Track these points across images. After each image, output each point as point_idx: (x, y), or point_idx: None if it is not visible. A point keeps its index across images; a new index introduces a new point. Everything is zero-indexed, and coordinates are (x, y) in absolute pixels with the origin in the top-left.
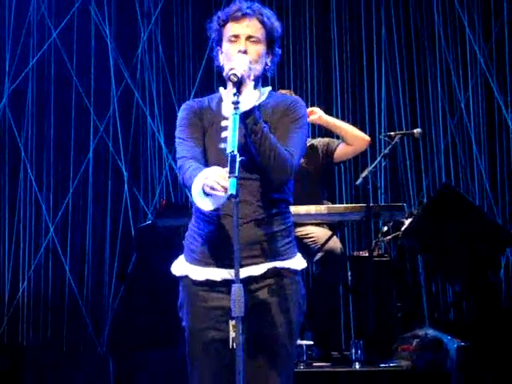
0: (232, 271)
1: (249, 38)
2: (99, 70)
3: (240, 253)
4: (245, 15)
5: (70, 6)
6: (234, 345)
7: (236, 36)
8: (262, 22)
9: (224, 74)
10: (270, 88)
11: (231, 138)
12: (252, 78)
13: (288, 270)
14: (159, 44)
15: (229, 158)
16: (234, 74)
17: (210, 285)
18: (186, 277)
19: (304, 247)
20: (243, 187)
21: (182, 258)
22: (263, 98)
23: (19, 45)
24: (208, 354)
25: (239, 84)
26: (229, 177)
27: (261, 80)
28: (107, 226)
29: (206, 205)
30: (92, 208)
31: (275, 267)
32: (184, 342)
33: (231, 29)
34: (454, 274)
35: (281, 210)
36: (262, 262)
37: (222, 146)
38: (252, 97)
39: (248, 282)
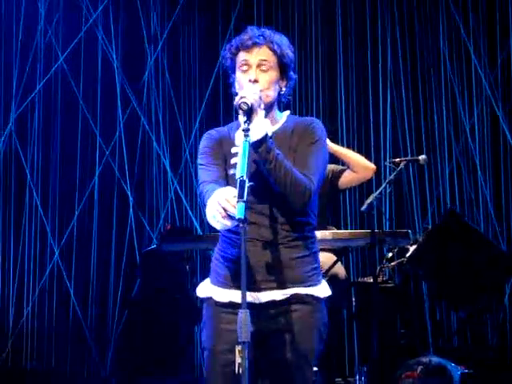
0: (255, 294)
1: (259, 66)
2: (106, 94)
3: (259, 276)
4: (255, 44)
5: (77, 30)
6: (240, 370)
7: (247, 65)
8: (273, 49)
9: (234, 102)
10: (288, 112)
11: (240, 163)
12: (263, 106)
13: (312, 296)
14: (166, 69)
15: (237, 183)
16: (244, 103)
17: (233, 307)
18: (210, 298)
19: None
20: (264, 211)
21: (207, 281)
22: (282, 122)
23: (26, 69)
24: (226, 375)
25: (249, 112)
26: (237, 201)
27: (276, 105)
28: (112, 251)
29: (216, 225)
30: (97, 232)
31: (299, 293)
32: (188, 368)
33: (242, 57)
34: (458, 301)
35: (305, 234)
36: (285, 288)
37: (232, 172)
38: (263, 126)
39: (270, 306)
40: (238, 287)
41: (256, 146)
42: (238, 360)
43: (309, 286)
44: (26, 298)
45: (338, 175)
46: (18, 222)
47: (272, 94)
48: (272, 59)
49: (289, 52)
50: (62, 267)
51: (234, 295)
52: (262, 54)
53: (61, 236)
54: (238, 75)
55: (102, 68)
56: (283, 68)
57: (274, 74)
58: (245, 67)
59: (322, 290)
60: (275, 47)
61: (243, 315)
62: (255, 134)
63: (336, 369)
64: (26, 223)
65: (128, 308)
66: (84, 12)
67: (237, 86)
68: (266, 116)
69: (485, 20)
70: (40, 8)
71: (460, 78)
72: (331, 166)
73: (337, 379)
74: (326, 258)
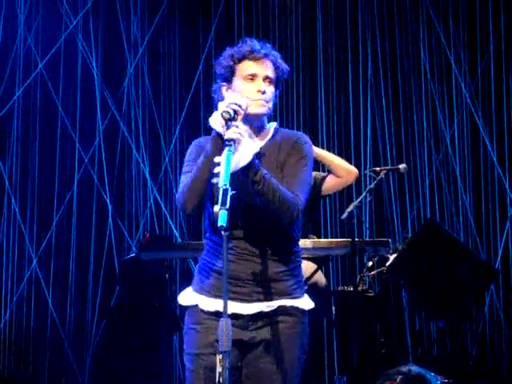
0: (244, 305)
1: (266, 78)
2: (85, 101)
3: (247, 288)
4: (264, 56)
5: (56, 37)
6: (221, 379)
7: (254, 75)
8: (275, 64)
9: (221, 111)
10: (275, 124)
11: (224, 172)
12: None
13: (297, 309)
14: (146, 76)
15: (220, 191)
16: (226, 112)
17: (219, 316)
18: (196, 306)
19: None
20: (251, 226)
21: (189, 289)
22: (269, 135)
23: (5, 76)
24: (210, 379)
25: (231, 120)
26: (220, 209)
27: (266, 118)
28: (91, 258)
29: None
30: (76, 240)
31: (285, 305)
32: (169, 378)
33: (249, 68)
34: (437, 310)
35: (290, 248)
36: (272, 300)
37: (215, 180)
38: (250, 148)
39: (257, 317)
40: (216, 297)
41: (244, 169)
42: (219, 369)
43: (294, 298)
44: (3, 306)
45: (320, 182)
46: None
47: (271, 108)
48: (274, 74)
49: (285, 67)
50: (40, 275)
51: (221, 305)
52: (269, 67)
53: (39, 244)
54: (241, 84)
55: (81, 75)
56: (278, 83)
57: (273, 88)
58: (251, 77)
59: (306, 302)
60: (277, 62)
61: (224, 324)
62: (243, 159)
63: (315, 378)
64: (4, 230)
65: (107, 317)
66: (64, 19)
67: (227, 94)
68: (256, 129)
69: (465, 29)
70: (19, 14)
71: (440, 87)
72: (314, 173)
73: None
74: (306, 267)
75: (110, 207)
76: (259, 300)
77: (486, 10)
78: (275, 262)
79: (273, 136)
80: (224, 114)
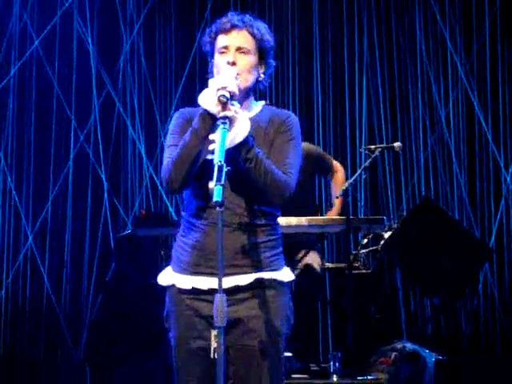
0: (216, 280)
1: (238, 49)
2: (81, 78)
3: (225, 261)
4: (234, 26)
5: (52, 14)
6: (216, 355)
7: (225, 47)
8: (252, 34)
9: (211, 89)
10: (263, 102)
11: (219, 149)
12: (241, 91)
13: (275, 281)
14: (141, 54)
15: (216, 167)
16: (223, 95)
17: (196, 293)
18: (173, 286)
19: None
20: (231, 197)
21: (168, 268)
22: (256, 110)
23: (0, 53)
24: (194, 362)
25: (226, 103)
26: (215, 185)
27: (252, 93)
28: (86, 236)
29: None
30: (71, 217)
31: (262, 278)
32: (163, 354)
33: (221, 40)
34: (432, 288)
35: (268, 221)
36: (248, 272)
37: (209, 157)
38: (245, 125)
39: (234, 291)
40: (200, 273)
41: (238, 146)
42: (214, 345)
43: (272, 270)
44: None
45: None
46: None
47: (250, 79)
48: (251, 43)
49: (269, 38)
50: (35, 252)
51: (197, 281)
52: (241, 37)
53: (35, 220)
54: (216, 58)
55: (77, 52)
56: (262, 54)
57: (252, 59)
58: (223, 50)
59: (285, 274)
60: (255, 31)
61: (219, 299)
62: (238, 136)
63: (310, 355)
64: (0, 207)
65: (102, 292)
66: None
67: (215, 70)
68: (241, 103)
69: (460, 7)
70: None
71: (436, 65)
72: (320, 153)
73: (311, 365)
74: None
75: (105, 184)
76: (234, 273)
77: None
78: (252, 235)
79: (261, 111)
80: (221, 97)
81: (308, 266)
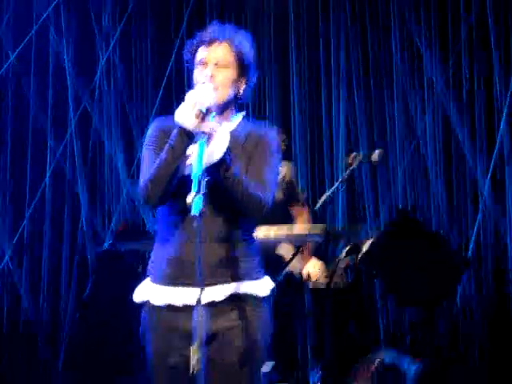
0: (195, 291)
1: (217, 63)
2: (57, 93)
3: (204, 273)
4: (214, 40)
5: (28, 29)
6: (195, 370)
7: (204, 61)
8: (232, 47)
9: (187, 104)
10: (243, 113)
11: (197, 161)
12: (219, 105)
13: (254, 292)
14: (118, 68)
15: (195, 179)
16: (199, 110)
17: (173, 308)
18: (148, 302)
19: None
20: (208, 209)
21: (144, 283)
22: (234, 125)
23: None
24: (172, 379)
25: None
26: (194, 196)
27: (233, 107)
28: (63, 251)
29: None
30: (49, 232)
31: (240, 290)
32: (143, 371)
33: (200, 53)
34: (410, 299)
35: (246, 233)
36: (226, 284)
37: (187, 171)
38: (221, 144)
39: (211, 304)
40: (179, 285)
41: (216, 165)
42: (193, 361)
43: (251, 280)
44: None
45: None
46: None
47: (228, 93)
48: (230, 57)
49: (250, 51)
50: (11, 268)
51: (173, 295)
52: (220, 51)
53: (12, 236)
54: (195, 72)
55: (53, 67)
56: (243, 67)
57: (231, 73)
58: (202, 63)
59: (264, 286)
60: (235, 44)
61: (199, 312)
62: (215, 153)
63: (290, 367)
64: None
65: (80, 309)
66: (35, 10)
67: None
68: (220, 115)
69: (436, 18)
70: None
71: (412, 78)
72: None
73: (290, 378)
74: (287, 250)
75: (82, 200)
76: (209, 285)
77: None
78: (229, 247)
79: (240, 124)
80: (197, 112)
81: (291, 275)
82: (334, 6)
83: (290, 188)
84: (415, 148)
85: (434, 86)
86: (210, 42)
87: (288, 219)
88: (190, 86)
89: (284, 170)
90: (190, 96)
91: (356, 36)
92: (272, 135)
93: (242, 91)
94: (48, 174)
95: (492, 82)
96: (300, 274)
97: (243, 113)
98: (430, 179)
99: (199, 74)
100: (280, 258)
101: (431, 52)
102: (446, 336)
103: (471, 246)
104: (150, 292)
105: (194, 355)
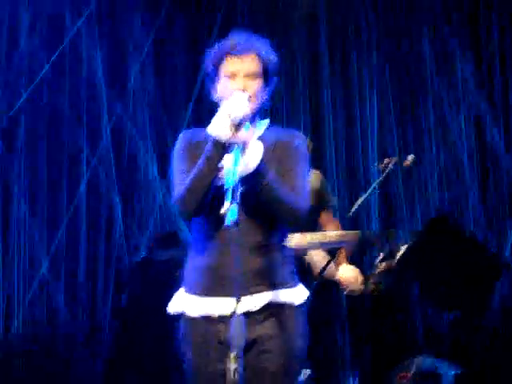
0: (232, 301)
1: (247, 74)
2: (91, 102)
3: (240, 282)
4: (243, 51)
5: (61, 38)
6: (236, 376)
7: (234, 73)
8: (260, 56)
9: (222, 114)
10: (267, 121)
11: (233, 170)
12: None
13: (290, 299)
14: (151, 75)
15: (230, 188)
16: (235, 122)
17: (208, 319)
18: (184, 313)
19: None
20: (244, 217)
21: (178, 294)
22: (262, 131)
23: (10, 80)
24: None
25: (240, 126)
26: (230, 205)
27: (257, 114)
28: (100, 260)
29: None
30: (85, 241)
31: (278, 297)
32: (179, 381)
33: (228, 65)
34: (449, 303)
35: (280, 239)
36: (263, 292)
37: (220, 183)
38: (257, 152)
39: (248, 313)
40: (216, 295)
41: (252, 174)
42: (233, 366)
43: (287, 288)
44: (15, 311)
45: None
46: (4, 233)
47: (258, 103)
48: (259, 67)
49: (274, 57)
50: (49, 278)
51: (207, 307)
52: (249, 62)
53: (48, 247)
54: (224, 83)
55: (86, 76)
56: (268, 74)
57: (260, 82)
58: (232, 75)
59: (300, 293)
60: (262, 54)
61: (237, 321)
62: (251, 162)
63: (328, 373)
64: (15, 234)
65: (118, 318)
66: (67, 21)
67: (218, 93)
68: (251, 125)
69: (469, 17)
70: (23, 18)
71: (446, 79)
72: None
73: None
74: (320, 257)
75: (119, 208)
76: (250, 294)
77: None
78: (265, 254)
79: (266, 130)
80: (232, 123)
81: (323, 282)
82: (366, 6)
83: (319, 196)
84: (450, 150)
85: (468, 85)
86: (238, 54)
87: (317, 227)
88: (211, 91)
89: (312, 177)
90: (224, 107)
91: (387, 37)
92: (300, 140)
93: (265, 97)
94: (83, 186)
95: None
96: (335, 281)
97: (267, 120)
98: (465, 180)
99: (227, 86)
100: (309, 265)
101: (464, 52)
102: (485, 340)
103: (509, 247)
104: (185, 303)
105: (232, 365)
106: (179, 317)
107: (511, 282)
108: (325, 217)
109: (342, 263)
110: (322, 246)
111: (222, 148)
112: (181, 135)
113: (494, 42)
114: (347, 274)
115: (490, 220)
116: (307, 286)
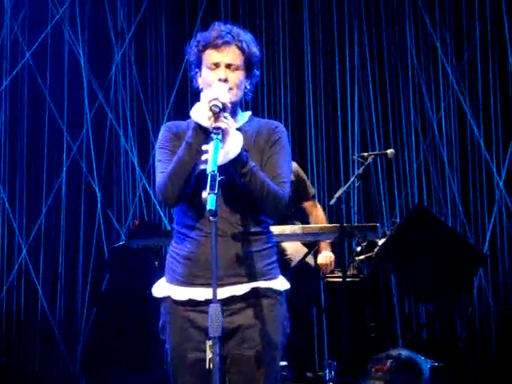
0: (210, 291)
1: (229, 66)
2: (72, 90)
3: (219, 271)
4: (225, 43)
5: (43, 26)
6: (211, 365)
7: (216, 64)
8: (241, 49)
9: (203, 102)
10: (250, 112)
11: (212, 159)
12: (232, 105)
13: (271, 290)
14: (133, 64)
15: (209, 177)
16: (215, 106)
17: (192, 304)
18: (168, 297)
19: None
20: (225, 206)
21: (163, 280)
22: (243, 121)
23: None
24: (191, 374)
25: (219, 114)
26: (208, 193)
27: (239, 105)
28: (80, 247)
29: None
30: (65, 228)
31: (258, 287)
32: (160, 365)
33: (211, 56)
34: (427, 295)
35: (262, 230)
36: (244, 282)
37: (202, 167)
38: (237, 141)
39: (230, 301)
40: (196, 284)
41: (233, 162)
42: (209, 355)
43: (268, 279)
44: None
45: (304, 197)
46: None
47: (240, 94)
48: (240, 59)
49: (256, 51)
50: (29, 264)
51: (192, 293)
52: (231, 54)
53: (28, 233)
54: (206, 73)
55: (68, 63)
56: (249, 67)
57: (241, 74)
58: (214, 66)
59: (281, 283)
60: (244, 46)
61: (214, 309)
62: (232, 151)
63: (306, 363)
64: None
65: (97, 305)
66: (50, 7)
67: (200, 81)
68: (231, 116)
69: (451, 14)
70: (6, 4)
71: (427, 72)
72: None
73: (307, 374)
74: (296, 249)
75: (98, 195)
76: (230, 284)
77: None
78: (246, 243)
79: (248, 121)
80: (213, 107)
81: (305, 267)
82: (349, 2)
83: (300, 185)
84: (430, 142)
85: (449, 79)
86: (220, 45)
87: (298, 216)
88: (193, 81)
89: (293, 167)
90: (205, 94)
91: (370, 31)
92: (281, 130)
93: (247, 88)
94: (64, 170)
95: (507, 73)
96: (315, 266)
97: (250, 112)
98: (445, 173)
99: (211, 76)
100: (287, 260)
101: (446, 46)
102: (463, 332)
103: (487, 238)
104: (170, 288)
105: (209, 351)
106: (163, 300)
107: (489, 274)
108: (309, 205)
109: (323, 250)
110: (303, 237)
111: (203, 133)
112: (163, 127)
113: (475, 38)
114: (323, 259)
115: (469, 212)
116: (285, 275)
